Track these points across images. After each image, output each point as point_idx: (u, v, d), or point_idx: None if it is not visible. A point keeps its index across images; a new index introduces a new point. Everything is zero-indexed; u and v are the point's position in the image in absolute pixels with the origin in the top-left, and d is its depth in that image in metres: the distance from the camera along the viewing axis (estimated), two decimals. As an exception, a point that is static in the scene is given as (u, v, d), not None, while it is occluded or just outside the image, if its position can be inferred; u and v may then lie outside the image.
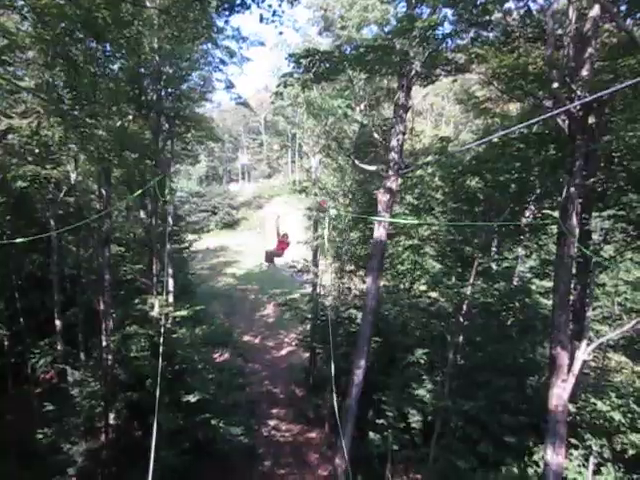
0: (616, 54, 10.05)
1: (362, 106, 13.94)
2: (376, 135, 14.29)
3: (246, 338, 28.93)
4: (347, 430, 14.02)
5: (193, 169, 60.70)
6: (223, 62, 17.99)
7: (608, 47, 11.22)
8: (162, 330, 12.01)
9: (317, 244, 20.40)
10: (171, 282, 17.56)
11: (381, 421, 16.03)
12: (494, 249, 17.05)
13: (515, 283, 17.03)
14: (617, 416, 12.63)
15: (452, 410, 14.37)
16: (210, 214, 59.38)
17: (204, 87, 19.15)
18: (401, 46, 11.68)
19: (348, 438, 14.03)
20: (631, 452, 12.80)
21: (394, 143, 13.56)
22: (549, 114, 8.87)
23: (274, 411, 21.90)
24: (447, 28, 12.70)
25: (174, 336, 15.82)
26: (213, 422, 15.34)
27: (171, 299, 17.38)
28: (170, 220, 17.31)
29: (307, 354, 23.91)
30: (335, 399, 11.72)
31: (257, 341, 29.50)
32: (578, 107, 9.57)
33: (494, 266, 16.59)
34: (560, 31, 10.37)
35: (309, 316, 21.46)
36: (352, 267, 19.87)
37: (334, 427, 17.70)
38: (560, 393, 10.35)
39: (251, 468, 17.58)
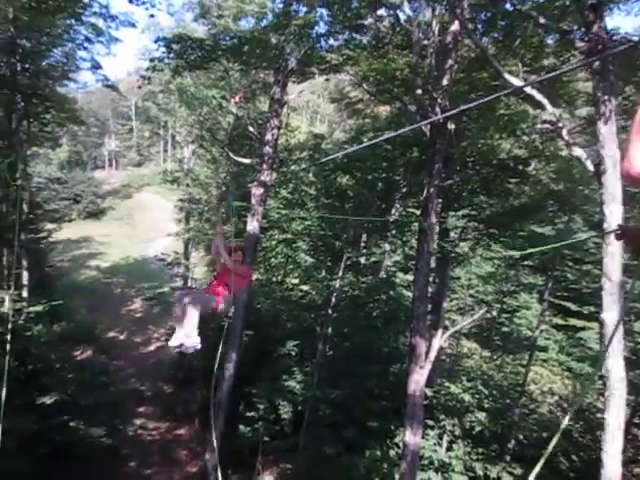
0: (473, 68, 11.01)
1: (237, 98, 13.81)
2: (251, 128, 14.25)
3: (111, 334, 27.34)
4: (218, 424, 13.90)
5: (53, 153, 55.88)
6: (89, 40, 16.77)
7: (467, 61, 12.24)
8: (10, 327, 10.95)
9: (189, 236, 19.87)
10: (25, 275, 16.07)
11: (252, 413, 16.09)
12: (363, 244, 17.87)
13: (382, 276, 17.98)
14: (467, 397, 13.91)
15: (320, 399, 14.84)
16: (72, 202, 55.03)
17: (67, 65, 17.71)
18: (277, 41, 11.75)
19: (219, 432, 13.91)
20: (478, 428, 14.19)
21: (269, 137, 13.63)
22: (419, 123, 9.50)
23: (141, 409, 20.98)
24: (323, 28, 13.05)
25: (27, 334, 14.51)
26: (72, 424, 14.34)
27: (25, 294, 15.91)
28: (25, 207, 15.82)
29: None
30: (208, 393, 11.55)
31: (123, 337, 28.01)
32: (439, 113, 10.33)
33: (363, 260, 17.38)
34: (425, 41, 11.12)
35: (180, 310, 20.80)
36: (224, 260, 19.62)
37: (204, 422, 17.43)
38: (418, 379, 11.14)
39: (115, 470, 16.72)
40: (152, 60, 12.48)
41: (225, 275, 5.75)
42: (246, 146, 15.92)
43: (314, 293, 16.10)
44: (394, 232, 16.06)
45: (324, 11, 12.60)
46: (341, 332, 15.97)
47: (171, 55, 11.18)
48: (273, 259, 18.52)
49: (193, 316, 5.52)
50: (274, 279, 17.89)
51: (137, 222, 52.64)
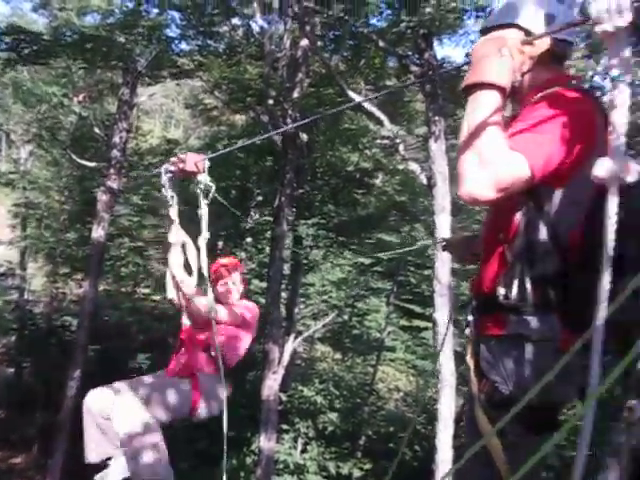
0: (322, 83, 11.53)
1: (81, 97, 12.97)
2: (97, 130, 13.48)
3: None
4: (60, 447, 12.82)
5: None
6: None
7: (318, 76, 12.78)
8: None
9: (25, 245, 18.11)
10: None
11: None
12: (219, 252, 17.68)
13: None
14: (319, 399, 14.41)
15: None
16: None
17: None
18: (125, 41, 11.28)
19: (61, 455, 12.83)
20: (330, 428, 14.75)
21: (117, 140, 13.01)
22: (270, 133, 9.71)
23: (-34, 440, 18.58)
24: (175, 32, 12.78)
25: None
26: None
27: None
28: None
29: (12, 369, 20.97)
30: (49, 416, 10.60)
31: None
32: (290, 124, 10.67)
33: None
34: (278, 54, 11.42)
35: (14, 326, 18.87)
36: (68, 270, 18.18)
37: (44, 448, 15.92)
38: (271, 384, 11.33)
39: None
40: (-23, 51, 11.22)
41: (200, 330, 3.07)
42: (91, 149, 14.96)
43: (166, 303, 15.57)
44: (249, 240, 16.16)
45: (177, 14, 12.38)
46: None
47: (1, 46, 10.17)
48: (123, 268, 17.59)
49: (147, 439, 2.82)
50: (124, 289, 16.99)
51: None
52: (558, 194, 1.68)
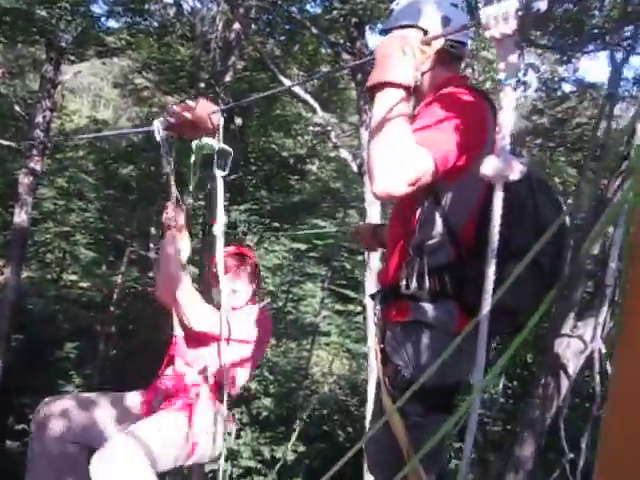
0: (255, 67, 11.43)
1: (0, 72, 12.22)
2: (18, 108, 12.76)
3: None
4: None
5: None
6: None
7: (253, 60, 12.64)
8: None
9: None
10: None
11: (23, 426, 14.48)
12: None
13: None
14: (254, 385, 14.46)
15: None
16: None
17: None
18: (47, 16, 10.71)
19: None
20: (264, 414, 14.85)
21: (39, 119, 12.36)
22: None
23: None
24: (102, 8, 12.26)
25: None
26: None
27: None
28: None
29: None
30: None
31: None
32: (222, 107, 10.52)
33: (153, 254, 16.77)
34: (210, 36, 11.18)
35: None
36: (-13, 257, 17.20)
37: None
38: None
39: None
40: None
41: (196, 344, 2.54)
42: (12, 128, 14.15)
43: (95, 290, 15.09)
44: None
45: (104, -11, 11.84)
46: (126, 330, 15.27)
47: None
48: (49, 255, 16.81)
49: None
50: (49, 276, 16.27)
51: None
52: (453, 189, 1.80)
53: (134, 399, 2.58)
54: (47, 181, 15.59)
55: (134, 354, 14.79)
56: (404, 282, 1.80)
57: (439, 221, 1.80)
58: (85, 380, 14.66)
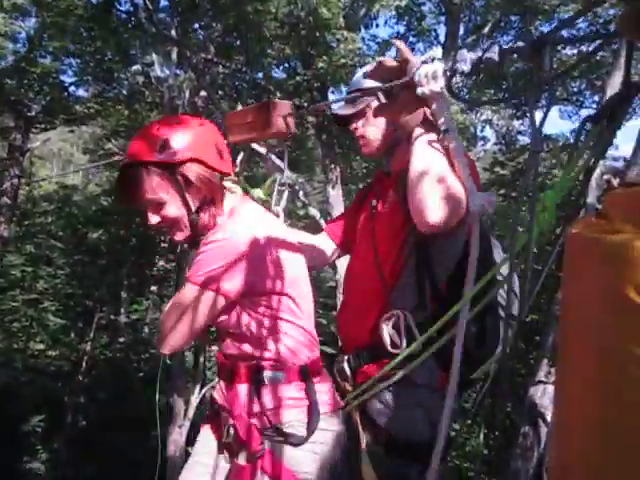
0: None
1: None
2: (-15, 176, 12.73)
3: None
4: None
5: None
6: None
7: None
8: None
9: None
10: None
11: (-17, 509, 13.60)
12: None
13: (145, 334, 17.18)
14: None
15: (72, 478, 13.33)
16: None
17: None
18: (17, 86, 10.91)
19: None
20: None
21: (7, 186, 12.37)
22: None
23: None
24: (72, 77, 12.52)
25: None
26: None
27: None
28: None
29: None
30: None
31: None
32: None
33: (124, 318, 16.41)
34: (178, 101, 11.45)
35: None
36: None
37: None
38: (177, 439, 10.85)
39: None
40: None
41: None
42: (-22, 196, 14.02)
43: (62, 359, 14.60)
44: (153, 288, 15.66)
45: (73, 61, 12.15)
46: (96, 399, 14.70)
47: None
48: (16, 323, 16.29)
49: None
50: (15, 346, 15.71)
51: None
52: (438, 243, 1.78)
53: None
54: (14, 248, 15.35)
55: (104, 425, 14.19)
56: (388, 341, 1.75)
57: (425, 276, 1.79)
58: (52, 455, 13.96)
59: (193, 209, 1.62)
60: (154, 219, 1.64)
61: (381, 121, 1.96)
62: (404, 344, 1.72)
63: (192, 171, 1.59)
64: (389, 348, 1.74)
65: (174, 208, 1.62)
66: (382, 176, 2.11)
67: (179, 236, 1.69)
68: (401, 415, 1.78)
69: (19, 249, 15.69)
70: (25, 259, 15.68)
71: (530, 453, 5.37)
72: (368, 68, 1.99)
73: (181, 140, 1.58)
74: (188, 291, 1.57)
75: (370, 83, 1.91)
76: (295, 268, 1.69)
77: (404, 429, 1.77)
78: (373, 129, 2.00)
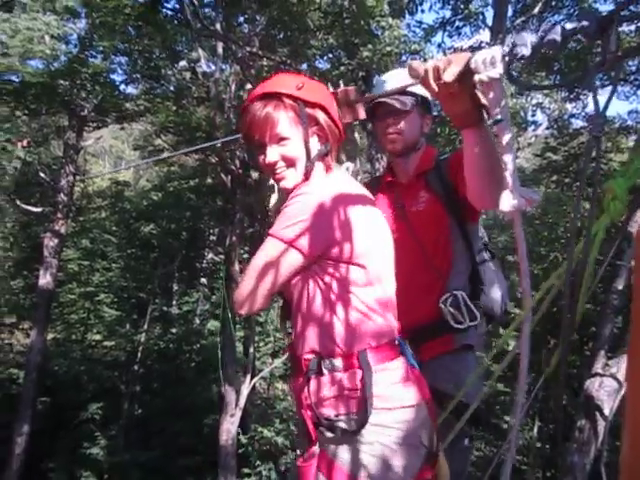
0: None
1: (25, 142, 12.75)
2: (43, 174, 13.23)
3: None
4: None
5: None
6: None
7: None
8: None
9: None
10: None
11: (48, 492, 14.28)
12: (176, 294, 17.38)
13: (195, 326, 17.60)
14: (280, 440, 14.11)
15: (129, 463, 13.82)
16: None
17: None
18: (70, 87, 11.27)
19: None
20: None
21: (64, 184, 12.82)
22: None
23: None
24: (121, 76, 12.84)
25: None
26: None
27: None
28: None
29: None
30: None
31: None
32: (238, 165, 10.79)
33: (176, 310, 16.86)
34: (224, 96, 11.58)
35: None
36: (14, 320, 17.48)
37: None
38: (229, 428, 11.08)
39: None
40: None
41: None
42: (37, 193, 14.65)
43: (118, 349, 15.13)
44: (203, 281, 15.98)
45: (123, 59, 12.45)
46: (150, 388, 15.18)
47: None
48: (74, 315, 17.01)
49: None
50: (73, 337, 16.40)
51: None
52: (474, 230, 2.15)
53: None
54: (71, 243, 15.98)
55: (159, 413, 14.65)
56: (451, 318, 1.97)
57: (468, 260, 2.09)
58: (109, 441, 14.51)
59: (312, 155, 1.61)
60: (273, 156, 1.59)
61: (418, 124, 2.14)
62: (467, 319, 1.96)
63: (321, 116, 1.64)
64: (453, 324, 1.97)
65: (297, 148, 1.60)
66: (393, 182, 2.23)
67: (289, 181, 1.62)
68: (458, 377, 1.93)
69: (75, 244, 16.34)
70: (81, 253, 16.32)
71: (587, 447, 5.19)
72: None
73: (315, 88, 1.66)
74: (268, 245, 1.53)
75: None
76: (375, 234, 1.62)
77: (468, 395, 1.83)
78: (411, 128, 2.14)
